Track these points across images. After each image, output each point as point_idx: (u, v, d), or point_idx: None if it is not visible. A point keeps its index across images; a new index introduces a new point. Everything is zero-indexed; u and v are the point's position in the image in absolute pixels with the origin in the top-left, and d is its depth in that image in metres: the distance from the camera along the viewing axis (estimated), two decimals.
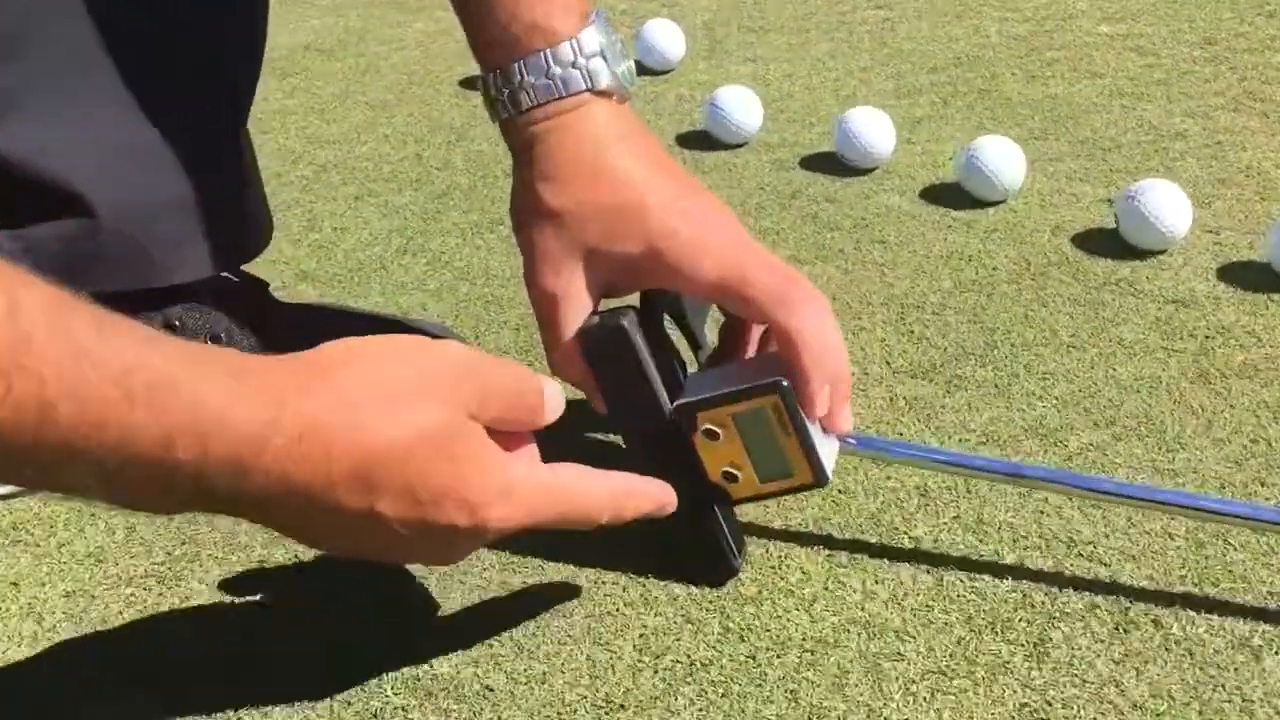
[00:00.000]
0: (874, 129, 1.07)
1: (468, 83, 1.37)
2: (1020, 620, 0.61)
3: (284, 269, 0.99)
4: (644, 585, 0.64)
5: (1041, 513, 0.69)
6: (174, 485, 0.41)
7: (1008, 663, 0.58)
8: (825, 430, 0.60)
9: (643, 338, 0.59)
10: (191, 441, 0.40)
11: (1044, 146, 1.11)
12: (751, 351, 0.65)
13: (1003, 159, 1.00)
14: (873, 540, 0.67)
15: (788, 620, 0.62)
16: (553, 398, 0.52)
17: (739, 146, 1.16)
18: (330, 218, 1.08)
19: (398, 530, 0.46)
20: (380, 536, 0.46)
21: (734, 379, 0.60)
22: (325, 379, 0.45)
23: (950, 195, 1.04)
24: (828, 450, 0.61)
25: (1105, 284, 0.90)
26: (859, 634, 0.60)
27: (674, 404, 0.59)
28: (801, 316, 0.57)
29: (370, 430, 0.44)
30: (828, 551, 0.66)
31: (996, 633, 0.60)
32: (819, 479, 0.59)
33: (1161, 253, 0.92)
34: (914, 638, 0.60)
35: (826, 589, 0.64)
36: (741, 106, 1.13)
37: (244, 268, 0.77)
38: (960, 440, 0.74)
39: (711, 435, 0.59)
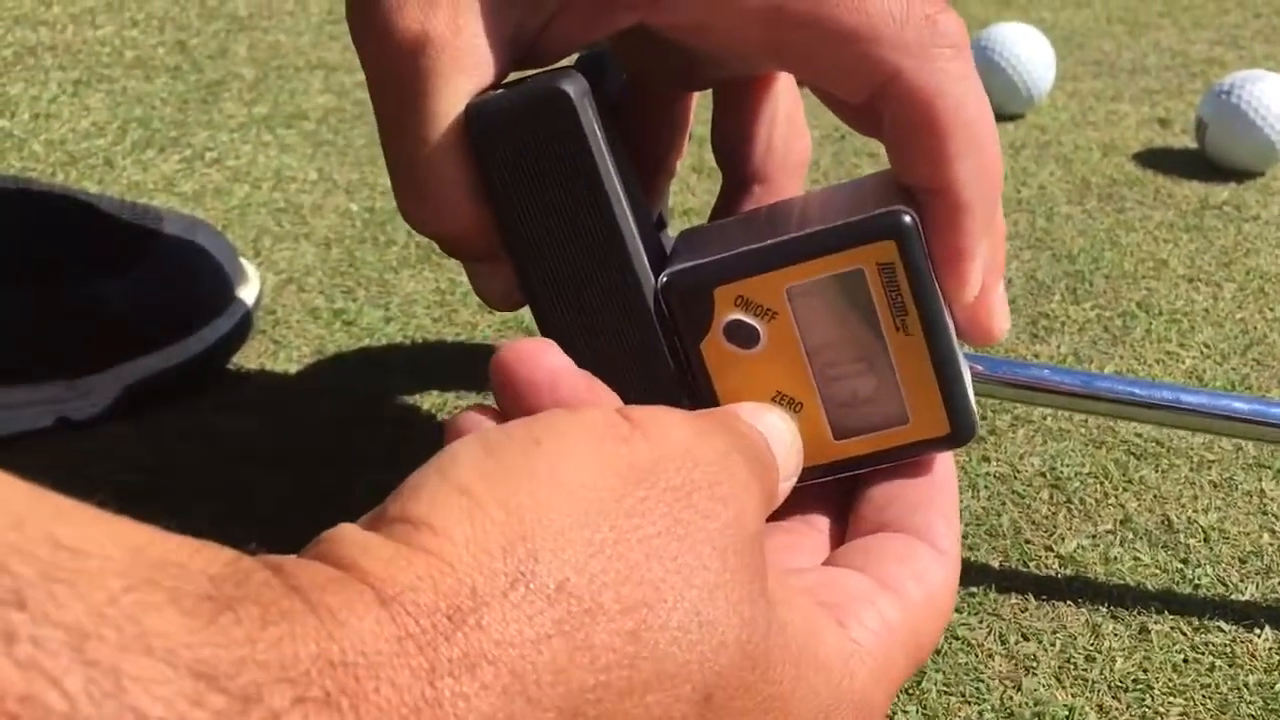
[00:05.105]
0: None
1: None
2: None
3: None
4: None
5: (1266, 510, 0.41)
6: None
7: None
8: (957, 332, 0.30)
9: (600, 123, 0.28)
10: None
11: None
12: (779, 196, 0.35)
13: (1026, 49, 0.74)
14: (992, 564, 0.38)
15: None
16: (776, 433, 0.27)
17: None
18: (30, 103, 0.72)
19: None
20: None
21: (779, 224, 0.29)
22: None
23: None
24: (966, 372, 0.31)
25: (1205, 208, 0.64)
26: None
27: (667, 271, 0.29)
28: (950, 80, 0.28)
29: None
30: None
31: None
32: (960, 427, 0.29)
33: (1259, 174, 0.68)
34: None
35: (947, 685, 0.34)
36: None
37: None
38: None
39: (741, 335, 0.29)
